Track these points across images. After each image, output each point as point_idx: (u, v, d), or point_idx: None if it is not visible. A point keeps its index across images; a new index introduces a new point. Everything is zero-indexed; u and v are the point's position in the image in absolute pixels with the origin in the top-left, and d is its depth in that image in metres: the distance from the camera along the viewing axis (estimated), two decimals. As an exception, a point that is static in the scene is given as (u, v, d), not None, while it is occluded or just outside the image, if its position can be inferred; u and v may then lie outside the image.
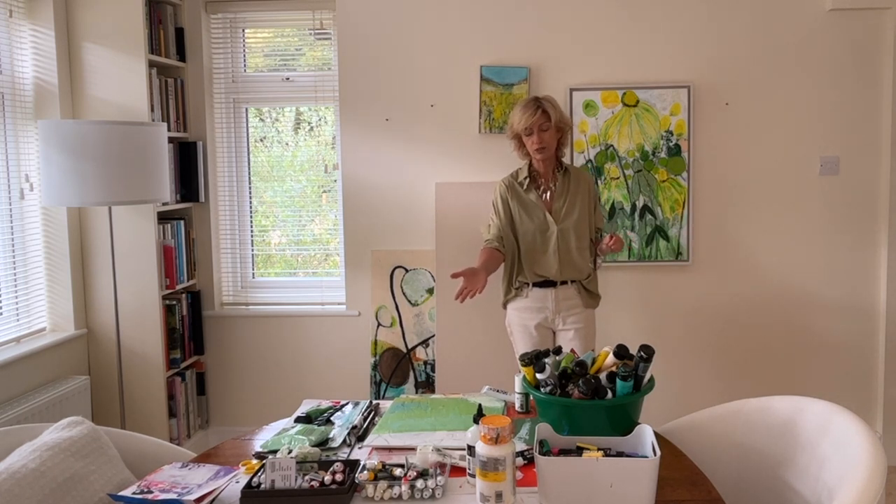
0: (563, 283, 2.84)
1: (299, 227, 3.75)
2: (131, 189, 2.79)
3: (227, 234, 3.74)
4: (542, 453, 1.66)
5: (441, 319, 3.46)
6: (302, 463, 1.77)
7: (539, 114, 2.73)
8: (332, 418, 2.16)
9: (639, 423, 1.79)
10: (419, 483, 1.67)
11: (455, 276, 2.56)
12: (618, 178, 3.44)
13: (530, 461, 1.82)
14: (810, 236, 3.44)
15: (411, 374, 3.55)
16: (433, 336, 3.52)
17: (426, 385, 3.54)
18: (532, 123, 2.74)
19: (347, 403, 2.29)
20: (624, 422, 1.84)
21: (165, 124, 2.99)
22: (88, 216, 3.24)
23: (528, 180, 2.85)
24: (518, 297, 2.89)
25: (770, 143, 3.42)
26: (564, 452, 1.70)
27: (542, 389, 1.90)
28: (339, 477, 1.69)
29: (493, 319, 3.42)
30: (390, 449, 1.96)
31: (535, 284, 2.85)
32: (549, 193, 2.85)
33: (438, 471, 1.73)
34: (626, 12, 3.41)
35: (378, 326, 3.57)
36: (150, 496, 1.62)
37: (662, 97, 3.39)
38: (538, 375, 1.94)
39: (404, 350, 3.55)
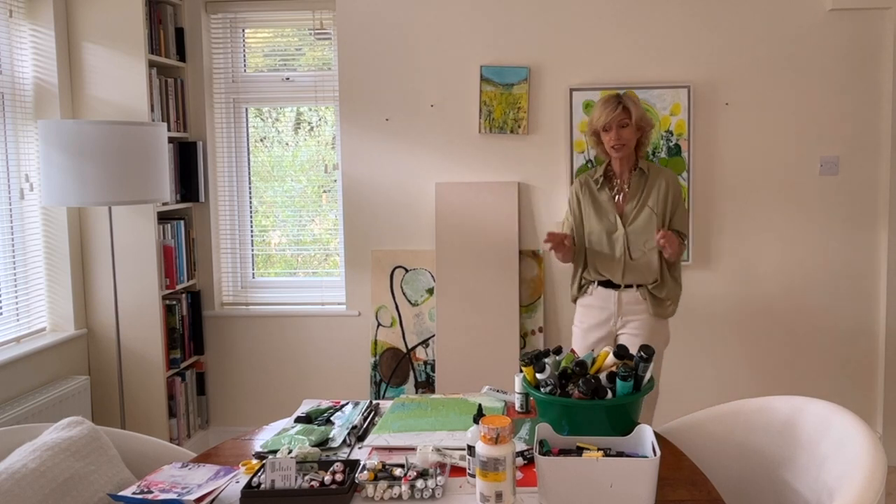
0: (629, 286, 2.74)
1: (299, 227, 3.75)
2: (131, 189, 2.79)
3: (227, 234, 3.74)
4: (542, 453, 1.66)
5: (441, 319, 3.46)
6: (302, 463, 1.77)
7: (619, 110, 2.66)
8: (332, 418, 2.16)
9: (639, 423, 1.79)
10: (419, 483, 1.67)
11: (550, 236, 2.68)
12: (618, 178, 3.44)
13: (530, 461, 1.82)
14: (810, 236, 3.44)
15: (411, 374, 3.55)
16: (433, 336, 3.52)
17: (426, 385, 3.54)
18: (612, 119, 2.66)
19: (347, 403, 2.29)
20: (624, 422, 1.84)
21: (165, 124, 2.99)
22: (88, 216, 3.24)
23: (602, 179, 2.79)
24: (584, 294, 2.85)
25: (770, 143, 3.42)
26: (564, 452, 1.70)
27: (542, 389, 1.90)
28: (339, 477, 1.69)
29: (493, 319, 3.43)
30: (390, 449, 1.96)
31: (600, 283, 2.79)
32: (622, 195, 2.77)
33: (438, 471, 1.73)
34: (627, 12, 3.41)
35: (378, 326, 3.57)
36: (150, 496, 1.62)
37: (662, 97, 3.39)
38: (538, 375, 1.94)
39: (404, 350, 3.55)
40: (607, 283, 2.78)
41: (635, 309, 2.75)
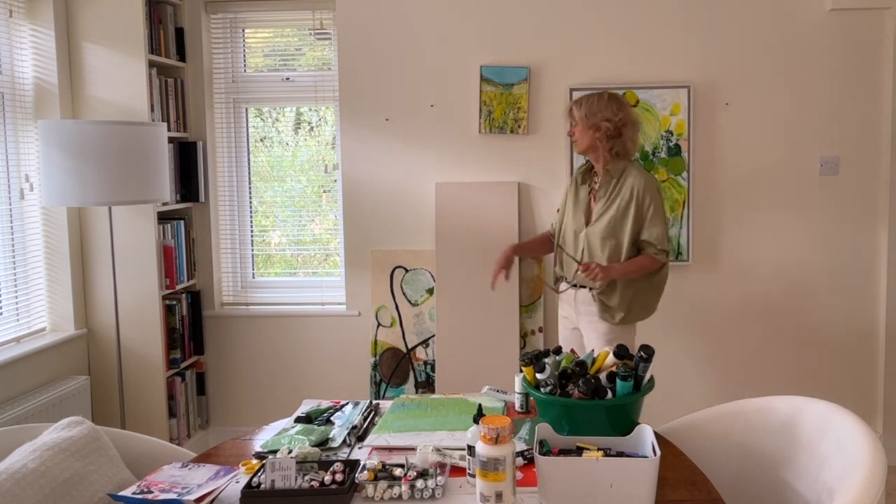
0: (583, 286, 2.72)
1: (299, 227, 3.75)
2: (131, 189, 2.79)
3: (227, 234, 3.74)
4: (542, 453, 1.66)
5: (441, 319, 3.46)
6: (302, 463, 1.77)
7: (568, 112, 2.76)
8: (332, 418, 2.16)
9: (639, 423, 1.79)
10: (419, 483, 1.67)
11: (495, 276, 2.79)
12: (618, 178, 3.44)
13: (530, 461, 1.82)
14: (810, 236, 3.44)
15: (411, 374, 3.55)
16: (433, 336, 3.52)
17: (426, 385, 3.54)
18: (567, 119, 2.78)
19: (347, 403, 2.29)
20: (624, 422, 1.84)
21: (165, 124, 2.99)
22: (88, 216, 3.24)
23: (584, 175, 2.80)
24: (558, 286, 2.85)
25: (770, 143, 3.42)
26: (564, 452, 1.70)
27: (542, 389, 1.90)
28: (339, 477, 1.69)
29: (493, 319, 3.43)
30: (390, 449, 1.96)
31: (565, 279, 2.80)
32: (594, 195, 2.75)
33: (438, 471, 1.73)
34: (626, 12, 3.41)
35: (378, 326, 3.57)
36: (150, 496, 1.62)
37: (662, 97, 3.39)
38: (538, 375, 1.94)
39: (404, 350, 3.55)
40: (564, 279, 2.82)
41: (589, 310, 2.71)
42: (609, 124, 2.65)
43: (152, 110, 3.24)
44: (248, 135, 3.74)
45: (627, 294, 2.66)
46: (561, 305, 2.90)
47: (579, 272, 2.55)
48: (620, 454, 1.70)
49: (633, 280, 2.66)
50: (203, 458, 1.94)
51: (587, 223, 2.72)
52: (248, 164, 3.74)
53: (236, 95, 3.68)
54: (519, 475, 1.76)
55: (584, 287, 2.71)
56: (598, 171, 2.75)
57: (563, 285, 2.81)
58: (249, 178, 3.75)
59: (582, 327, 2.78)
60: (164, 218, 3.44)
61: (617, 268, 2.58)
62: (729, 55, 3.40)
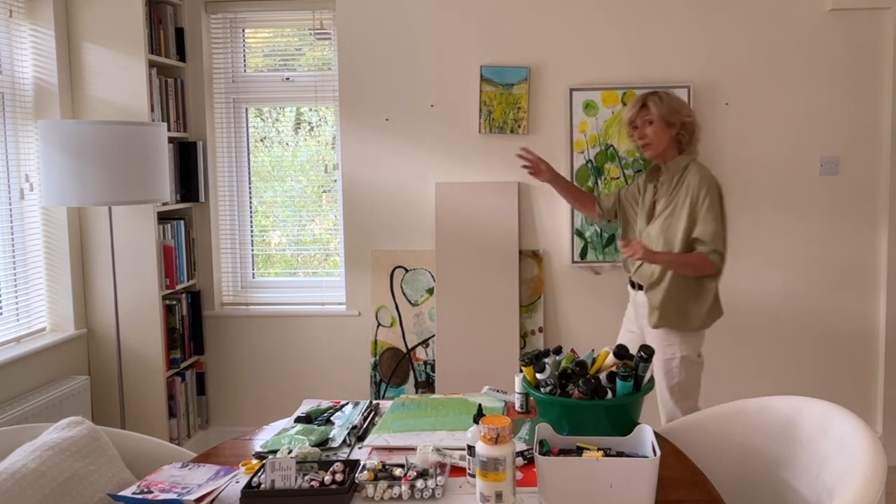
0: (641, 287, 2.67)
1: (299, 227, 3.75)
2: (131, 189, 2.79)
3: (227, 234, 3.74)
4: (542, 453, 1.66)
5: (441, 319, 3.46)
6: (302, 463, 1.77)
7: (639, 108, 2.63)
8: (332, 418, 2.16)
9: (639, 423, 1.79)
10: (419, 483, 1.67)
11: (536, 161, 2.88)
12: (618, 178, 3.44)
13: (530, 461, 1.82)
14: (810, 236, 3.44)
15: (411, 374, 3.55)
16: (433, 336, 3.52)
17: (426, 385, 3.54)
18: (634, 116, 2.65)
19: (347, 403, 2.29)
20: (624, 422, 1.84)
21: (165, 124, 2.99)
22: (88, 216, 3.24)
23: (650, 174, 2.78)
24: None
25: (770, 143, 3.42)
26: (564, 452, 1.70)
27: (542, 389, 1.90)
28: (339, 477, 1.69)
29: (493, 319, 3.43)
30: (390, 449, 1.96)
31: (630, 280, 2.79)
32: (656, 193, 2.71)
33: (438, 471, 1.73)
34: (626, 12, 3.41)
35: (378, 326, 3.57)
36: (150, 496, 1.62)
37: (662, 97, 3.39)
38: (538, 375, 1.94)
39: (404, 350, 3.55)
40: (631, 281, 2.80)
41: (644, 313, 2.66)
42: (690, 120, 2.64)
43: (152, 110, 3.24)
44: (248, 135, 3.74)
45: (667, 295, 2.56)
46: (628, 307, 2.88)
47: (621, 247, 2.48)
48: (620, 454, 1.70)
49: (681, 283, 2.56)
50: (203, 458, 1.94)
51: (648, 222, 2.69)
52: (248, 164, 3.74)
53: (236, 95, 3.68)
54: (519, 475, 1.76)
55: (642, 288, 2.66)
56: (664, 170, 2.69)
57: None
58: (249, 178, 3.75)
59: (644, 330, 2.71)
60: (164, 218, 3.44)
61: (663, 254, 2.51)
62: (729, 55, 3.40)
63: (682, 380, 2.61)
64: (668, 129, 2.62)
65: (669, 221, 2.59)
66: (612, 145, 3.42)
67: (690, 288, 2.57)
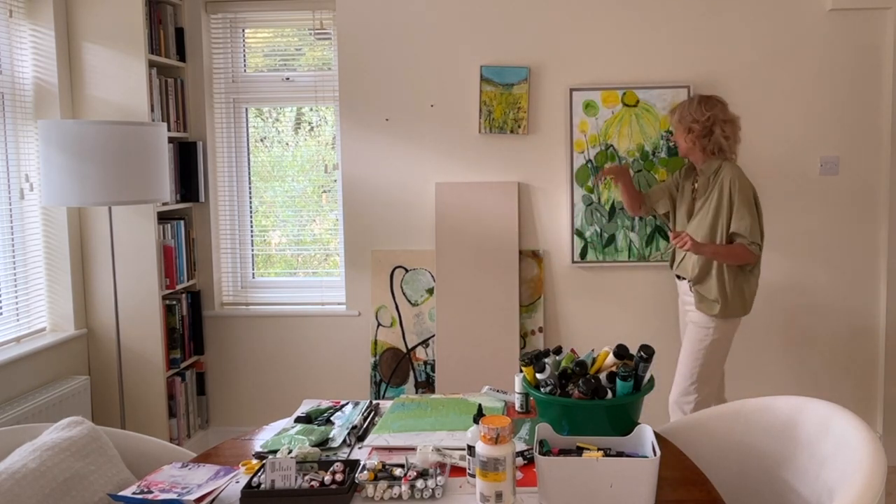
0: (683, 278, 2.96)
1: (299, 227, 3.75)
2: (131, 189, 2.79)
3: (227, 234, 3.74)
4: (542, 453, 1.66)
5: (441, 319, 3.46)
6: (302, 463, 1.77)
7: (670, 113, 3.05)
8: (332, 418, 2.16)
9: (639, 423, 1.79)
10: (419, 483, 1.67)
11: (606, 173, 3.11)
12: (618, 178, 3.44)
13: (530, 461, 1.82)
14: (810, 236, 3.44)
15: (411, 374, 3.55)
16: (433, 336, 3.52)
17: (426, 385, 3.54)
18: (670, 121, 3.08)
19: (347, 403, 2.29)
20: (624, 422, 1.84)
21: (165, 124, 2.99)
22: (88, 216, 3.24)
23: (688, 171, 3.05)
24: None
25: (770, 143, 3.42)
26: (564, 452, 1.70)
27: (542, 389, 1.90)
28: (339, 477, 1.69)
29: (493, 319, 3.43)
30: (390, 449, 1.96)
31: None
32: (696, 193, 2.97)
33: (438, 471, 1.73)
34: (627, 12, 3.41)
35: (378, 326, 3.57)
36: (150, 496, 1.62)
37: (662, 97, 3.39)
38: (538, 375, 1.94)
39: (404, 350, 3.55)
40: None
41: (687, 300, 2.95)
42: (698, 125, 2.86)
43: (152, 110, 3.24)
44: (248, 135, 3.74)
45: (723, 285, 2.80)
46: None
47: (671, 239, 2.72)
48: (620, 454, 1.70)
49: (728, 273, 2.80)
50: (203, 458, 1.94)
51: (688, 220, 2.94)
52: (248, 164, 3.74)
53: (236, 95, 3.68)
54: (519, 475, 1.76)
55: (684, 279, 2.94)
56: (699, 171, 2.96)
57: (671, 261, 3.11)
58: (249, 178, 3.75)
59: (687, 317, 2.97)
60: (164, 218, 3.44)
61: (709, 246, 2.75)
62: (729, 55, 3.40)
63: (709, 362, 2.86)
64: (686, 134, 2.91)
65: (707, 220, 2.83)
66: (612, 145, 3.42)
67: (736, 275, 2.82)
